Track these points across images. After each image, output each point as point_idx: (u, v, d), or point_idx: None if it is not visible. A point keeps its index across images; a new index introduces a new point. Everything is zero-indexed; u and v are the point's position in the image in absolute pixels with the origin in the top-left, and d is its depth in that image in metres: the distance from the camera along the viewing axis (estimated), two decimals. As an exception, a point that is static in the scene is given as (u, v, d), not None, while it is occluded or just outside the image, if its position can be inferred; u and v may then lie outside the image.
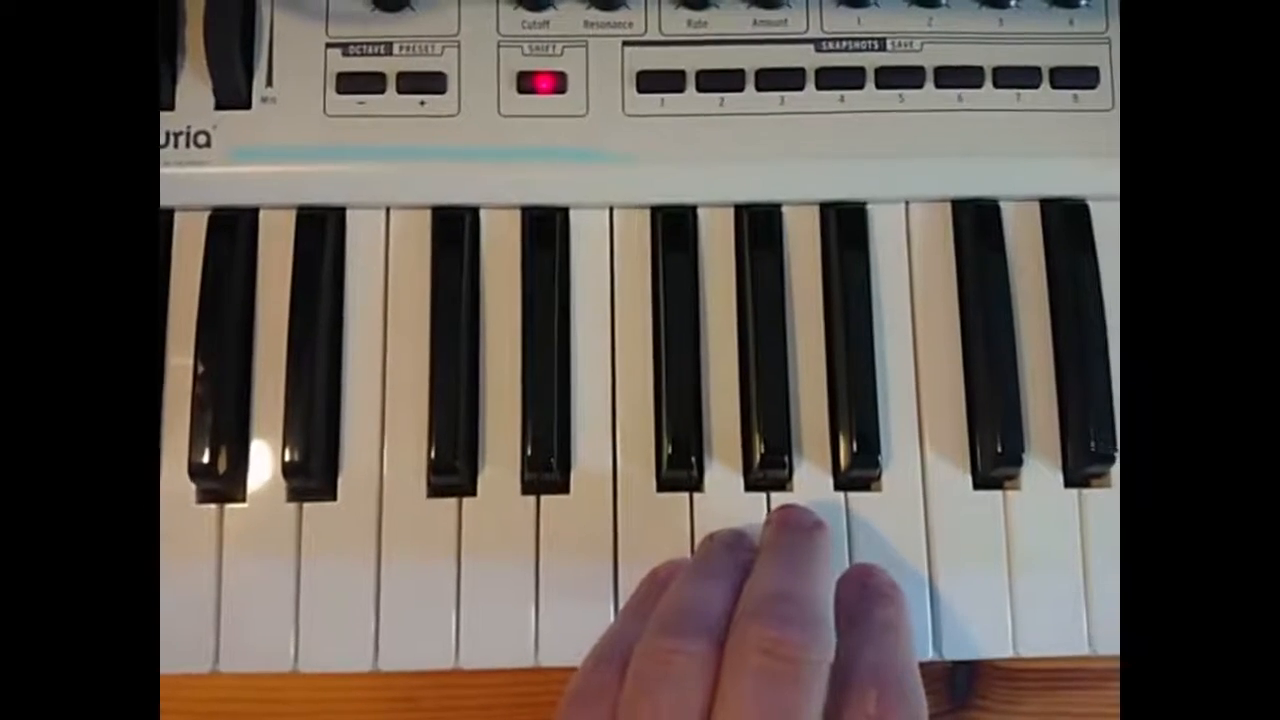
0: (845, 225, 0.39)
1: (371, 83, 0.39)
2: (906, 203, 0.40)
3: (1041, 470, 0.38)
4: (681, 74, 0.39)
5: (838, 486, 0.38)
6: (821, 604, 0.31)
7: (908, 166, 0.39)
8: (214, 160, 0.38)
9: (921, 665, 0.32)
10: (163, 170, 0.38)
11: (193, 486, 0.37)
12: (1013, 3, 0.39)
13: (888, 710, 0.29)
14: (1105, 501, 0.37)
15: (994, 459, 0.37)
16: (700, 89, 0.39)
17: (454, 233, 0.39)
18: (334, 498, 0.37)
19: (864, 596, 0.33)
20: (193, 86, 0.39)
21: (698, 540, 0.37)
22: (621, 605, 0.36)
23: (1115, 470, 0.38)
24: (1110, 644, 0.37)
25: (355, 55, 0.39)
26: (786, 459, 0.37)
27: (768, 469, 0.37)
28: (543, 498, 0.37)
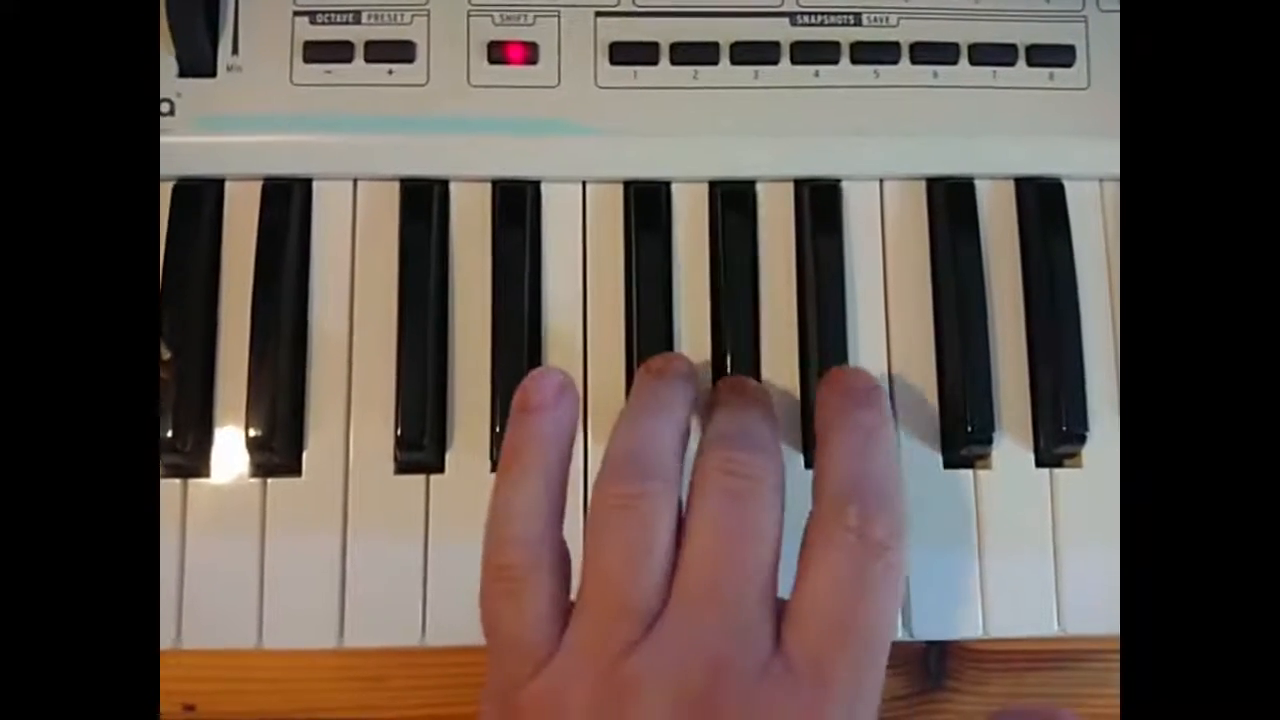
0: (819, 202, 0.39)
1: (339, 51, 0.38)
2: (881, 180, 0.39)
3: (1012, 449, 0.38)
4: (655, 46, 0.38)
5: (809, 464, 0.37)
6: (773, 438, 0.32)
7: (882, 143, 0.39)
8: (178, 129, 0.38)
9: (894, 646, 0.32)
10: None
11: (155, 461, 0.36)
12: (989, -22, 0.39)
13: (867, 522, 0.29)
14: (1076, 481, 0.37)
15: (964, 437, 0.37)
16: (674, 61, 0.38)
17: (422, 205, 0.38)
18: (299, 474, 0.37)
19: (845, 401, 0.33)
20: (156, 53, 0.38)
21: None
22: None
23: (1086, 450, 0.37)
24: (1080, 625, 0.37)
25: (323, 23, 0.38)
26: (757, 436, 0.37)
27: (738, 446, 0.37)
28: (511, 475, 0.37)
